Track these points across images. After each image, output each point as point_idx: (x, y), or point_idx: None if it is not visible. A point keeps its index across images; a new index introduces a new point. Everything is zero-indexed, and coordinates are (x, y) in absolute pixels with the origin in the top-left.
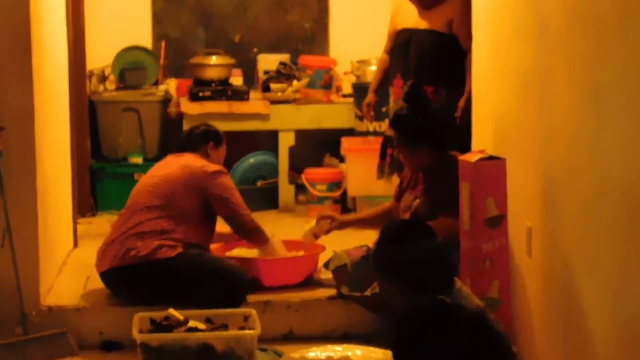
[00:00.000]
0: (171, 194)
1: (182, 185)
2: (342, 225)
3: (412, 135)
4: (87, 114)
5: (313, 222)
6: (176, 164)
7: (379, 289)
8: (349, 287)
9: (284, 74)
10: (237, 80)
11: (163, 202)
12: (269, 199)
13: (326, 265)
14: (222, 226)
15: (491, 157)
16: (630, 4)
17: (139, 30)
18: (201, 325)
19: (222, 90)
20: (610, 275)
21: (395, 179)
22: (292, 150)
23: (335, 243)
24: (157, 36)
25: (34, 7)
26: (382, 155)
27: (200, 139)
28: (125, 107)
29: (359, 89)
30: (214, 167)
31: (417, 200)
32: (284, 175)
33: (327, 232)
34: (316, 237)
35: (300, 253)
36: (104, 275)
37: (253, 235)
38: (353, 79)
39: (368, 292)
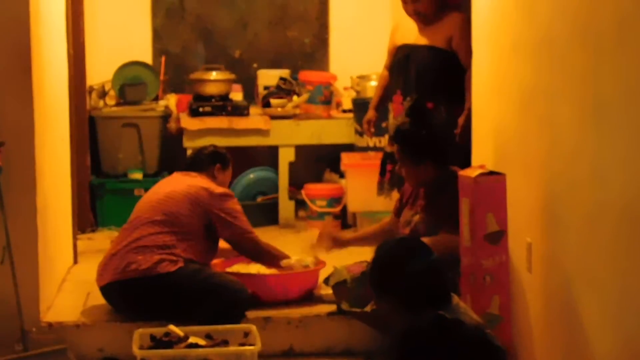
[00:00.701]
0: (175, 211)
1: (187, 204)
2: (343, 245)
3: (417, 150)
4: (87, 130)
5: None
6: (183, 183)
7: (376, 306)
8: (349, 303)
9: (284, 90)
10: (237, 95)
11: (166, 218)
12: (269, 215)
13: (326, 281)
14: (222, 242)
15: (491, 173)
16: (629, 19)
17: (139, 46)
18: (201, 342)
19: (222, 105)
20: (611, 291)
21: (395, 195)
22: (292, 165)
23: (335, 259)
24: (157, 52)
25: (34, 23)
26: (382, 172)
27: (208, 160)
28: (125, 122)
29: (359, 105)
30: (220, 189)
31: (417, 216)
32: (284, 191)
33: (328, 250)
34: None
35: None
36: (105, 290)
37: (263, 257)
38: (353, 94)
39: (368, 308)
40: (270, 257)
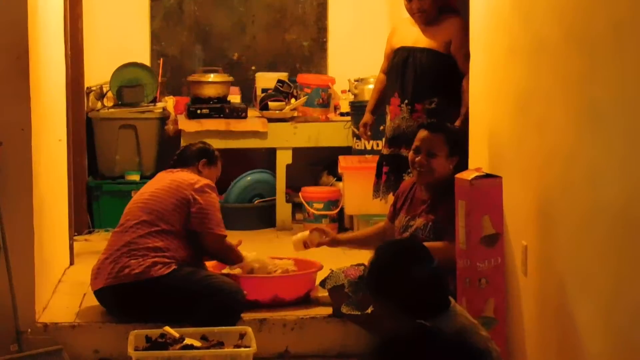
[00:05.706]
0: (161, 209)
1: (171, 199)
2: (335, 243)
3: (456, 142)
4: (85, 131)
5: (306, 233)
6: (166, 180)
7: (374, 309)
8: (349, 307)
9: (282, 92)
10: (235, 98)
11: (153, 218)
12: (266, 218)
13: (322, 283)
14: None
15: (487, 176)
16: (625, 23)
17: (137, 48)
18: (197, 343)
19: (220, 108)
20: (604, 294)
21: (391, 198)
22: (289, 168)
23: (331, 261)
24: (156, 54)
25: (31, 24)
26: (378, 174)
27: (194, 155)
28: (122, 124)
29: (357, 108)
30: (202, 181)
31: (418, 220)
32: (281, 194)
33: (318, 245)
34: (306, 246)
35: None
36: (99, 294)
37: (222, 255)
38: (351, 97)
39: (369, 310)
40: (232, 256)
